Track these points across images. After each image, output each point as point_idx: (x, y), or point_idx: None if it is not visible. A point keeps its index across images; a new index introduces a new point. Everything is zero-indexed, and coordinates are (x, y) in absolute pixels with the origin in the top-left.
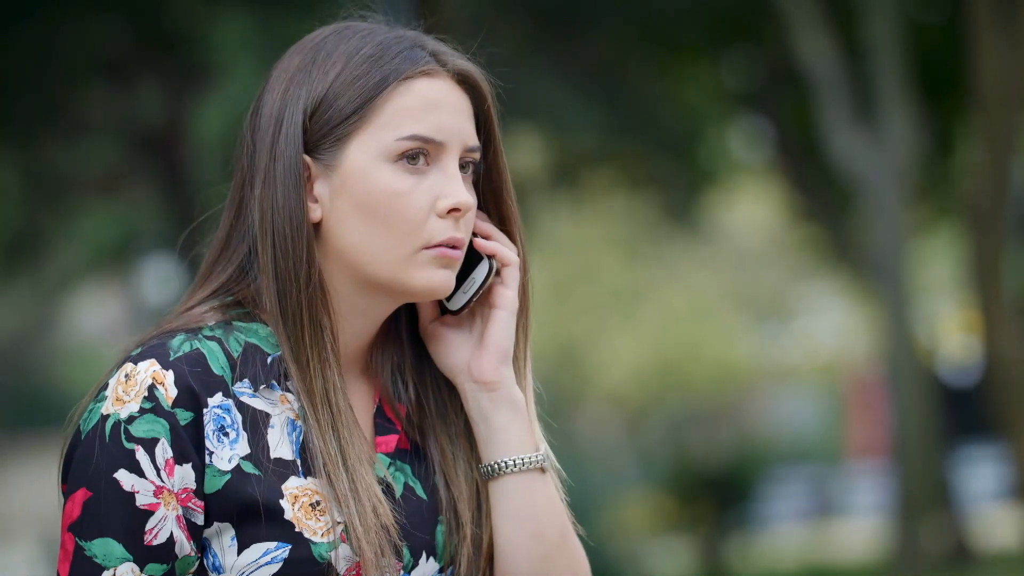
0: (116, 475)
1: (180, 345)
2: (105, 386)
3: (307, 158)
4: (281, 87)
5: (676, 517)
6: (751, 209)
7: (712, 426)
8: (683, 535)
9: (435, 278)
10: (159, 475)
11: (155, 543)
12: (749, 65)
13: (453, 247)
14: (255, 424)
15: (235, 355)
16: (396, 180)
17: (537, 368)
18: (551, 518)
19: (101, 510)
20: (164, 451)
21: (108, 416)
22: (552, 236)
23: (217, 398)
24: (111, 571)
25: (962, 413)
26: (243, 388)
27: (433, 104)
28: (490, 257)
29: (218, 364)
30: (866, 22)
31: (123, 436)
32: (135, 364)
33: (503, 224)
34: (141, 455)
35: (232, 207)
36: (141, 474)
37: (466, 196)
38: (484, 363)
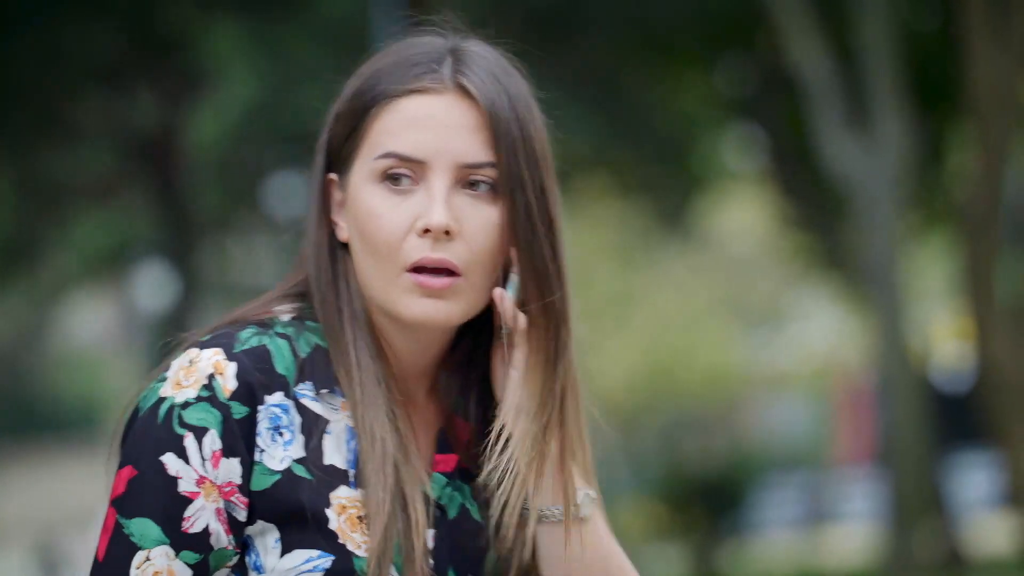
0: (163, 458)
1: (248, 338)
2: (168, 367)
3: (334, 177)
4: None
5: (668, 523)
6: (743, 215)
7: (704, 432)
8: (676, 541)
9: (415, 307)
10: (204, 465)
11: (191, 531)
12: (742, 71)
13: (434, 272)
14: (312, 428)
15: (302, 355)
16: (376, 201)
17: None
18: (584, 568)
19: (144, 490)
20: (213, 442)
21: (165, 399)
22: None
23: (277, 397)
24: (146, 552)
25: (955, 420)
26: (305, 390)
27: (415, 122)
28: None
29: (283, 363)
30: (859, 28)
31: (176, 421)
32: (200, 350)
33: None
34: (190, 442)
35: None
36: (187, 461)
37: (441, 217)
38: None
